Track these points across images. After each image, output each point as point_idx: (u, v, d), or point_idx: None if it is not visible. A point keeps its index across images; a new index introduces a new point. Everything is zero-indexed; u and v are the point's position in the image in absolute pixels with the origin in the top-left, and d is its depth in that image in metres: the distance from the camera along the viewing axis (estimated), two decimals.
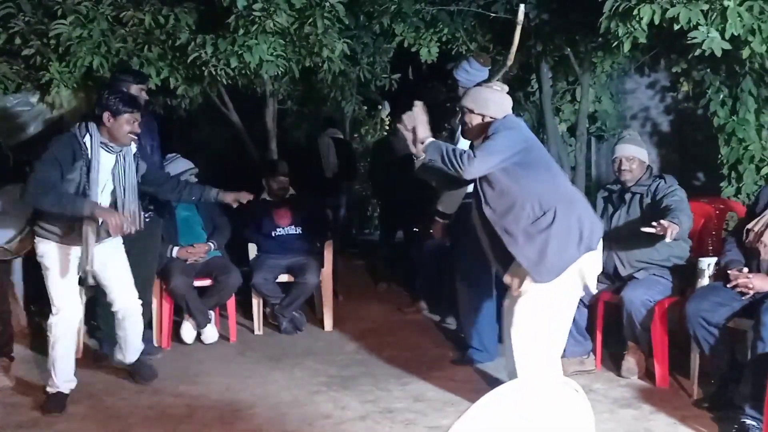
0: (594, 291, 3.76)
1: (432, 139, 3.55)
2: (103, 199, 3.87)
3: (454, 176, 3.54)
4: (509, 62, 4.98)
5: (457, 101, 5.06)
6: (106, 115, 3.81)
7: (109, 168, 3.87)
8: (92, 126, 3.82)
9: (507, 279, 3.69)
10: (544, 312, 3.55)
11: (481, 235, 3.73)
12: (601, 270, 3.70)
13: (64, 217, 3.75)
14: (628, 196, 4.35)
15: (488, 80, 3.96)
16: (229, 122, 6.73)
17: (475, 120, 3.68)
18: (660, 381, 4.12)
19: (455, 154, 3.46)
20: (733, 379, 3.65)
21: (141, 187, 4.08)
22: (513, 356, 3.63)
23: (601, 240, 3.63)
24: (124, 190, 3.93)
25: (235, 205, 4.55)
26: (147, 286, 4.91)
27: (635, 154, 4.32)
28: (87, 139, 3.80)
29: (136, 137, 3.94)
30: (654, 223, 3.81)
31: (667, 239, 3.78)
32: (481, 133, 3.65)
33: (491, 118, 3.63)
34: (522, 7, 4.77)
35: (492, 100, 3.67)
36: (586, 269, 3.57)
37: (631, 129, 4.71)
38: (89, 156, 3.78)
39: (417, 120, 3.54)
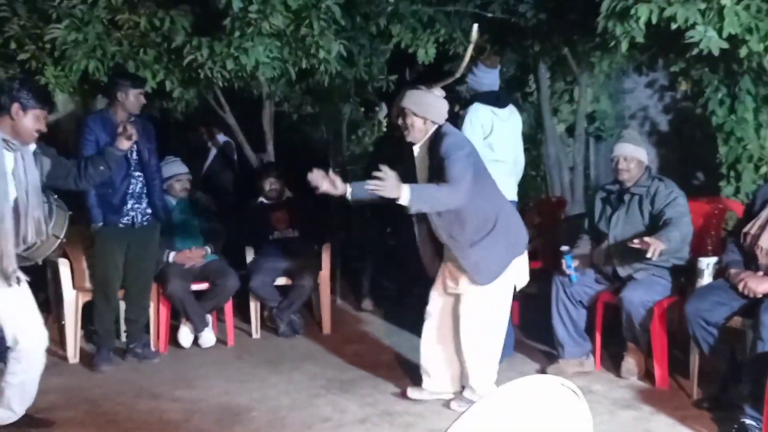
0: (519, 286, 3.98)
1: (409, 192, 3.51)
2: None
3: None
4: (458, 74, 5.14)
5: (458, 100, 5.08)
6: (15, 107, 3.42)
7: (9, 169, 3.44)
8: None
9: (441, 282, 3.97)
10: (487, 311, 3.84)
11: (424, 240, 3.98)
12: (527, 280, 3.98)
13: None
14: (627, 197, 4.33)
15: (431, 85, 4.14)
16: (225, 125, 6.72)
17: (417, 122, 3.79)
18: (660, 381, 4.11)
19: (441, 196, 3.61)
20: (733, 379, 3.64)
21: (52, 185, 3.71)
22: (443, 354, 4.02)
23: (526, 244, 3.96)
24: (27, 193, 3.46)
25: (126, 146, 4.02)
26: (145, 290, 4.92)
27: (633, 154, 4.30)
28: None
29: (38, 135, 3.54)
30: (636, 241, 3.91)
31: (648, 255, 3.85)
32: (421, 135, 3.81)
33: (432, 122, 3.79)
34: (475, 26, 4.95)
35: (434, 106, 3.81)
36: (516, 272, 3.88)
37: (631, 128, 4.70)
38: None
39: (387, 186, 3.47)
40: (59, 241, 3.87)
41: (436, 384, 4.08)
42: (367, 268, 6.25)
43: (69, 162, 3.83)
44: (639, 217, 4.25)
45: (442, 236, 3.80)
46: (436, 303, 4.04)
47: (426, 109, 3.79)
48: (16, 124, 3.43)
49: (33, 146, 3.56)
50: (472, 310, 3.84)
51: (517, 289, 3.99)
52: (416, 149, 3.87)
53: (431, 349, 4.07)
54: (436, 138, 3.74)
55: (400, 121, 3.86)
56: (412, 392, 4.09)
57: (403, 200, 3.49)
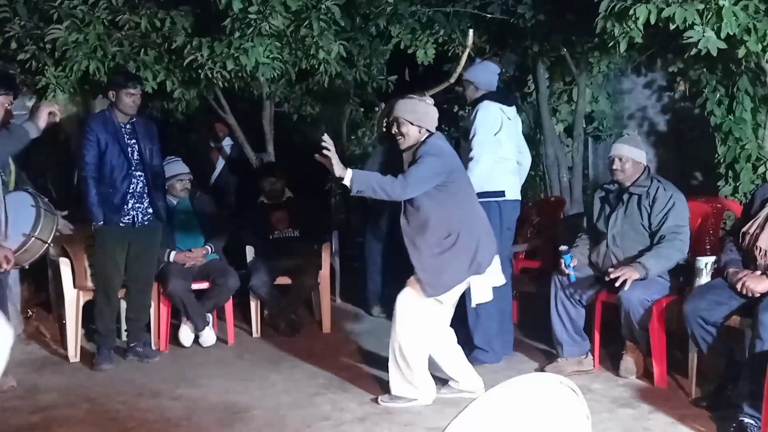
0: (475, 302, 3.98)
1: (351, 173, 3.61)
2: None
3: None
4: (452, 80, 5.39)
5: (456, 101, 5.09)
6: None
7: None
8: None
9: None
10: (419, 313, 3.85)
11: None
12: (490, 297, 3.99)
13: None
14: (625, 197, 4.33)
15: (423, 93, 4.29)
16: (226, 125, 6.72)
17: (413, 131, 3.84)
18: (658, 380, 4.12)
19: (385, 184, 3.66)
20: (732, 378, 3.65)
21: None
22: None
23: (496, 258, 3.96)
24: None
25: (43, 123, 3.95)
26: (147, 289, 4.93)
27: (629, 155, 4.29)
28: None
29: None
30: (611, 271, 4.06)
31: (617, 284, 4.02)
32: (415, 143, 3.84)
33: (426, 130, 3.85)
34: (471, 31, 5.17)
35: (428, 114, 3.87)
36: (478, 288, 3.91)
37: (630, 129, 4.73)
38: None
39: (331, 158, 3.56)
40: (46, 245, 3.89)
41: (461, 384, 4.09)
42: (371, 273, 6.06)
43: None
44: (638, 216, 4.26)
45: (406, 242, 3.88)
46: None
47: (421, 117, 3.85)
48: None
49: None
50: (407, 309, 3.87)
51: (473, 304, 4.02)
52: (407, 156, 3.91)
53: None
54: (421, 146, 3.82)
55: (394, 130, 3.89)
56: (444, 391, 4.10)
57: (346, 180, 3.59)
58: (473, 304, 4.03)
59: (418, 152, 3.78)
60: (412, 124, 3.83)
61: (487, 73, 4.80)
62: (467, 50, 5.28)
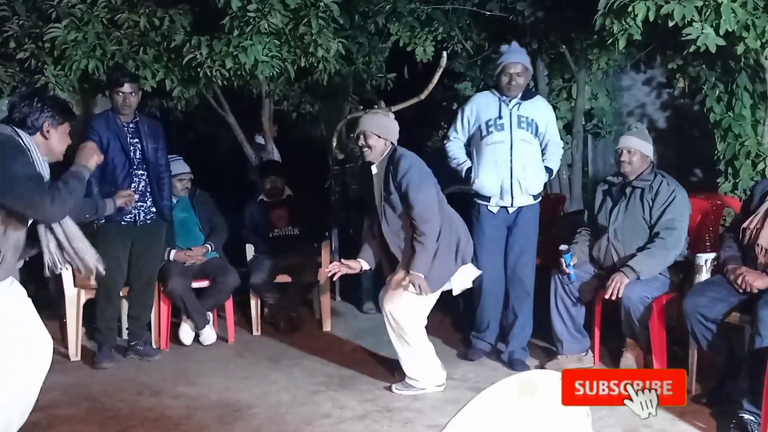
0: (457, 291, 4.25)
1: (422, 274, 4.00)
2: None
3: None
4: (423, 96, 5.58)
5: (456, 100, 5.11)
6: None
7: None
8: None
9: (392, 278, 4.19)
10: (415, 308, 4.09)
11: (378, 245, 4.24)
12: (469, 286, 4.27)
13: None
14: (628, 191, 4.32)
15: (389, 108, 4.65)
16: (225, 123, 6.72)
17: (379, 144, 4.09)
18: None
19: (427, 240, 3.97)
20: (731, 374, 3.65)
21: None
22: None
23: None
24: None
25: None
26: (149, 288, 4.94)
27: (637, 147, 4.28)
28: None
29: None
30: (607, 285, 4.14)
31: (606, 296, 4.12)
32: (380, 155, 4.11)
33: (391, 143, 4.12)
34: (444, 54, 5.41)
35: (392, 128, 4.16)
36: (458, 278, 4.17)
37: (639, 123, 4.73)
38: None
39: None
40: None
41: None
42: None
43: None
44: (640, 210, 4.24)
45: (391, 247, 4.12)
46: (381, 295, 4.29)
47: (387, 131, 4.11)
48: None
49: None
50: (401, 307, 4.08)
51: (455, 293, 4.27)
52: (374, 168, 4.15)
53: None
54: (392, 158, 4.07)
55: (360, 142, 4.13)
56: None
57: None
58: (455, 293, 4.27)
59: (399, 175, 3.98)
60: (378, 137, 4.07)
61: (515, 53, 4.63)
62: (440, 69, 5.50)
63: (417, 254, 3.96)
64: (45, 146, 3.14)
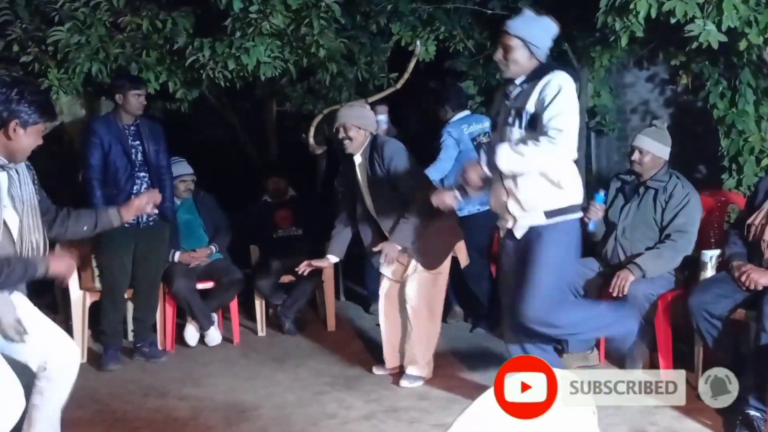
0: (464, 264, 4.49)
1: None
2: None
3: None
4: (398, 85, 5.74)
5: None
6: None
7: (4, 188, 2.74)
8: None
9: (387, 268, 4.32)
10: (430, 291, 4.25)
11: (365, 231, 4.37)
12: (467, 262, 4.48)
13: None
14: (642, 190, 4.27)
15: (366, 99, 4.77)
16: (228, 124, 6.74)
17: (359, 135, 4.19)
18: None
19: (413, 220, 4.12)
20: (737, 371, 3.64)
21: None
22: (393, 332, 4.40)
23: None
24: (23, 213, 2.80)
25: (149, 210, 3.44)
26: (154, 289, 4.95)
27: (648, 148, 4.23)
28: None
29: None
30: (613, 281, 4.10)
31: (611, 290, 4.08)
32: (361, 145, 4.21)
33: (370, 133, 4.23)
34: (418, 42, 5.51)
35: (371, 118, 4.31)
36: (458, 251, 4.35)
37: (660, 121, 4.56)
38: None
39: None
40: None
41: (392, 360, 4.42)
42: (369, 270, 6.09)
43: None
44: (651, 210, 4.20)
45: (386, 231, 4.22)
46: (384, 286, 4.44)
47: (366, 122, 4.22)
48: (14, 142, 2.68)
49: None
50: (417, 291, 4.22)
51: (463, 266, 4.49)
52: (357, 158, 4.24)
53: (385, 327, 4.46)
54: (374, 145, 4.19)
55: (340, 135, 4.20)
56: (377, 370, 4.46)
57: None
58: (462, 266, 4.48)
59: (385, 153, 4.12)
60: (359, 128, 4.17)
61: (547, 36, 3.78)
62: (414, 59, 5.55)
63: (399, 226, 4.11)
64: (4, 147, 2.64)
